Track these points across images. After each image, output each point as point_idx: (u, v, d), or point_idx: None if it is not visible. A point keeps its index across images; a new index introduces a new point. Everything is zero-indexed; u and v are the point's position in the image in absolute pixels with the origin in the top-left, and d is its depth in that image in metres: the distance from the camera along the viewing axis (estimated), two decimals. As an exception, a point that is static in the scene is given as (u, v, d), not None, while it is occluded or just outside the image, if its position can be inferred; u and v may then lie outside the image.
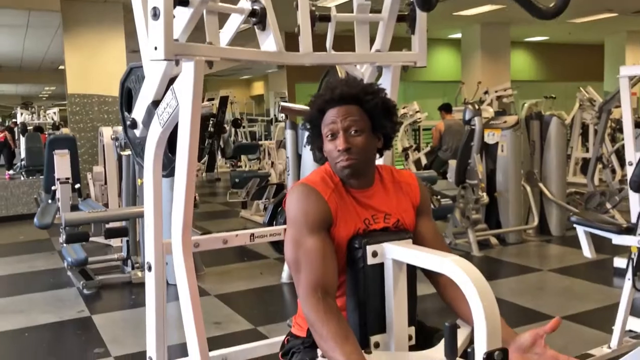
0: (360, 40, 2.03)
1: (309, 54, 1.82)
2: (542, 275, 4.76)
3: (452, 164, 5.84)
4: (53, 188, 5.58)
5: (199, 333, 1.63)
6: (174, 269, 1.68)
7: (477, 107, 5.69)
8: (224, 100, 9.79)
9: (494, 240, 5.66)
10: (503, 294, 4.14)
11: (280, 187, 6.96)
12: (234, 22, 1.73)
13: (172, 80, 1.74)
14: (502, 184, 5.74)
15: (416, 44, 2.00)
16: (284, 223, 1.63)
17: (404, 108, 8.88)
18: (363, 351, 1.40)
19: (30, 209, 7.66)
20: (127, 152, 5.39)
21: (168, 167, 1.97)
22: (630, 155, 3.00)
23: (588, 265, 4.69)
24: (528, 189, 5.90)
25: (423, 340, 1.60)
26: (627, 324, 2.96)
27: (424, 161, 8.92)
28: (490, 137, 5.78)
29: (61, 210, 5.35)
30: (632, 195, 2.95)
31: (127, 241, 4.86)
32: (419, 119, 9.13)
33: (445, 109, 8.44)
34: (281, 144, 7.88)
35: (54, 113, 13.65)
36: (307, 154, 4.37)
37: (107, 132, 6.42)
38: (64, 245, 4.73)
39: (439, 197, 4.84)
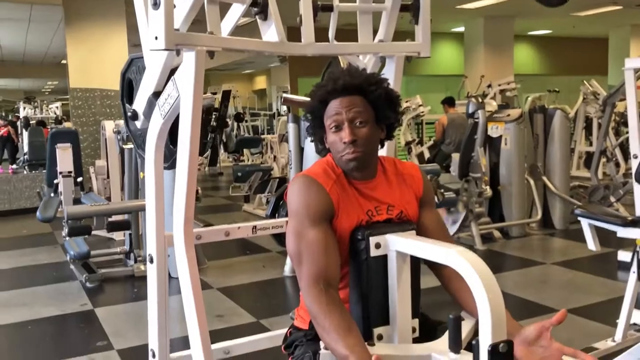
0: (363, 30, 2.00)
1: (311, 44, 1.79)
2: (546, 268, 4.74)
3: (455, 157, 5.82)
4: (55, 182, 5.57)
5: (201, 326, 1.62)
6: (176, 261, 1.67)
7: (480, 100, 5.66)
8: (226, 95, 9.81)
9: (497, 234, 5.65)
10: (506, 287, 4.13)
11: (283, 180, 6.95)
12: (236, 12, 1.71)
13: (173, 71, 1.73)
14: (505, 178, 5.73)
15: (420, 34, 1.97)
16: (286, 215, 1.62)
17: (406, 102, 8.84)
18: (366, 343, 1.39)
19: (33, 203, 7.65)
20: (130, 145, 5.39)
21: (170, 159, 1.96)
22: (635, 148, 2.97)
23: (592, 258, 4.68)
24: (531, 182, 5.88)
25: (427, 333, 1.58)
26: (631, 317, 2.95)
27: (427, 155, 8.88)
28: (494, 131, 5.76)
29: (64, 203, 5.34)
30: (637, 188, 2.94)
31: (130, 234, 4.87)
32: (422, 112, 9.09)
33: (449, 102, 8.38)
34: (284, 138, 7.87)
35: (57, 107, 13.63)
36: (309, 147, 4.35)
37: (109, 126, 6.43)
38: (67, 238, 4.75)
39: (442, 190, 4.82)
